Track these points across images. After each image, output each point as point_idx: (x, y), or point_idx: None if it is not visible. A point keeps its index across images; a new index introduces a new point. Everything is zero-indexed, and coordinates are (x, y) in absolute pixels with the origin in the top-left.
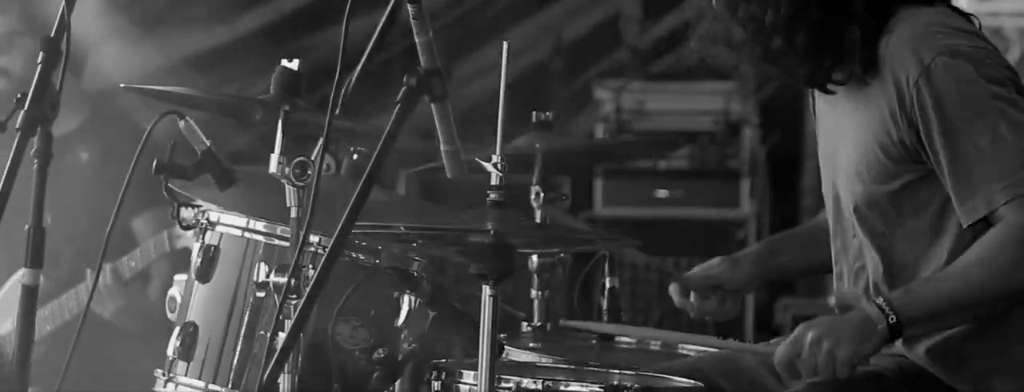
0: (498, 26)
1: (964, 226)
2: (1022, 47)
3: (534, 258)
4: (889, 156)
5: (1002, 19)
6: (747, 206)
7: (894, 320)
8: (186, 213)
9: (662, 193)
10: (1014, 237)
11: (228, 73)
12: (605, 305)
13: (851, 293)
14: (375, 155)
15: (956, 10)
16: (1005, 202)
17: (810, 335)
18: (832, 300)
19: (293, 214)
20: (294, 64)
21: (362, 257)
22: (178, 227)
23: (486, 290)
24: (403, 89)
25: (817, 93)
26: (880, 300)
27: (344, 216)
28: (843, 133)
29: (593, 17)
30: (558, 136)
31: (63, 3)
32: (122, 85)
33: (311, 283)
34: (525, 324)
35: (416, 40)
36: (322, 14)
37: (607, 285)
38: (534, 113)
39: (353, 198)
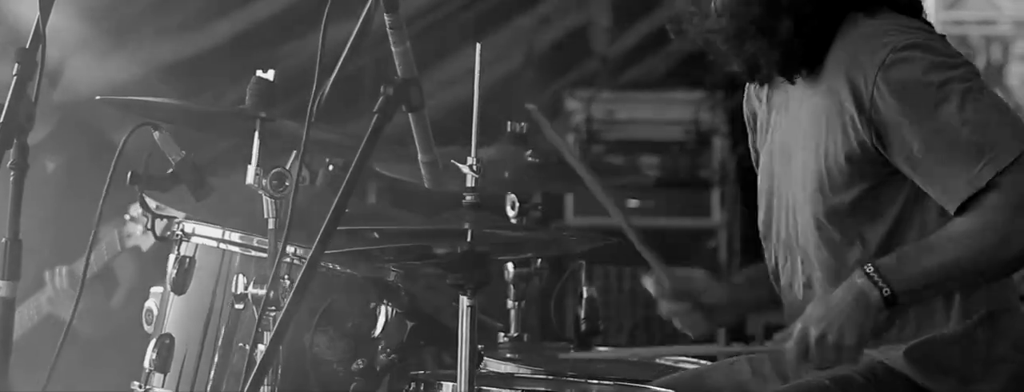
0: (467, 36)
1: (951, 212)
2: (987, 55)
3: (510, 267)
4: (849, 160)
5: (967, 27)
6: (718, 215)
7: (888, 293)
8: (161, 223)
9: (633, 203)
10: (1007, 212)
11: (198, 83)
12: (582, 314)
13: (800, 304)
14: (354, 165)
15: (908, 14)
16: (990, 179)
17: (813, 332)
18: None
19: (271, 225)
20: (269, 74)
21: (339, 267)
22: (129, 225)
23: (463, 300)
24: (380, 99)
25: (763, 107)
26: (870, 269)
27: (323, 226)
28: (797, 144)
29: (563, 27)
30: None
31: (38, 14)
32: (98, 97)
33: (291, 294)
34: (502, 335)
35: (393, 50)
36: (291, 24)
37: (584, 294)
38: (509, 123)
39: (332, 207)
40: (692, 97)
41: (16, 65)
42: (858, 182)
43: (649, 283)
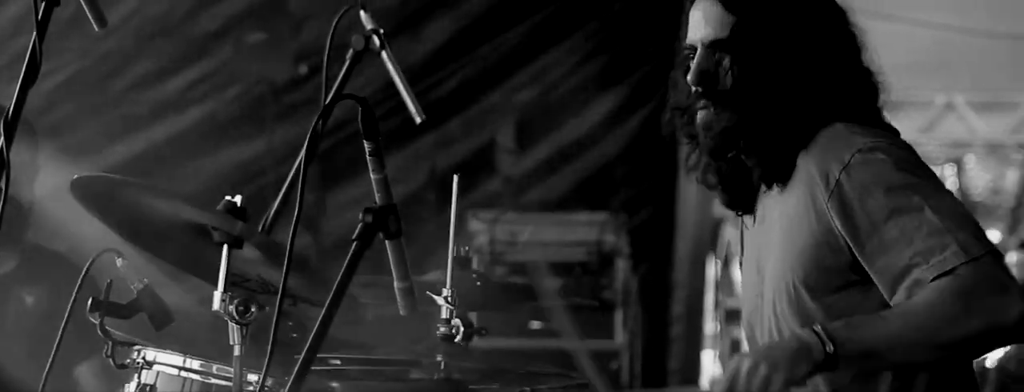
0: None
1: (888, 298)
2: None
3: None
4: (816, 262)
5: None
6: (620, 336)
7: (831, 350)
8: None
9: (536, 324)
10: (956, 296)
11: None
12: None
13: None
14: (333, 294)
15: (877, 122)
16: (933, 277)
17: (747, 363)
18: None
19: (236, 352)
20: (238, 199)
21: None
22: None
23: None
24: (359, 226)
25: (743, 229)
26: (818, 327)
27: (301, 357)
28: (770, 252)
29: (467, 146)
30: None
31: (1, 141)
32: None
33: None
34: None
35: (372, 177)
36: (220, 132)
37: None
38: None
39: (310, 339)
40: (595, 218)
41: None
42: (824, 285)
43: None
